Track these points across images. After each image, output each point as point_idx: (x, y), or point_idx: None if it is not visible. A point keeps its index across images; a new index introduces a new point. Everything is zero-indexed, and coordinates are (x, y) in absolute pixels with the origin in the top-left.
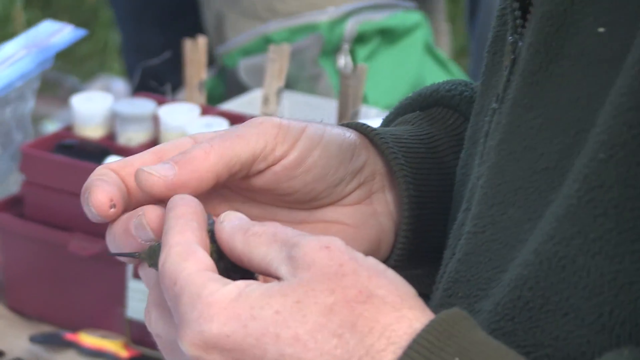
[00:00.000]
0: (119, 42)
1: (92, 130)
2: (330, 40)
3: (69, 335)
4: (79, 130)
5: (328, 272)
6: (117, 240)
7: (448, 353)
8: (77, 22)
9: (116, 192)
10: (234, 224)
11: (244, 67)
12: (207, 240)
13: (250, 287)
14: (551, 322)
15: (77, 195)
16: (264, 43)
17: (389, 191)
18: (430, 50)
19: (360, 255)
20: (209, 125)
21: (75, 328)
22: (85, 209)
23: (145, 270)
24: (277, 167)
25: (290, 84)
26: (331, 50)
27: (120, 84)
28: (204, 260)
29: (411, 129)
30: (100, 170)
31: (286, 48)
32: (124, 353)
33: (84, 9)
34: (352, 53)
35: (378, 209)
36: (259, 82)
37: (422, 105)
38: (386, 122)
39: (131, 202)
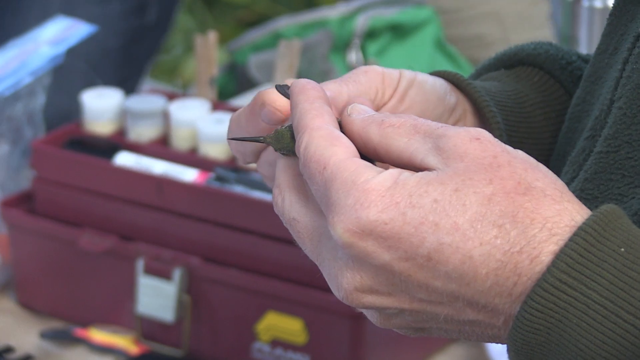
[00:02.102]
0: None
1: (102, 126)
2: (341, 35)
3: (79, 331)
4: (90, 126)
5: (483, 163)
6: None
7: (614, 243)
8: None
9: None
10: (365, 117)
11: (254, 62)
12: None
13: (404, 175)
14: None
15: (87, 191)
16: (274, 39)
17: None
18: (440, 46)
19: (511, 148)
20: (219, 121)
21: (86, 324)
22: (265, 120)
23: (264, 157)
24: (382, 110)
25: None
26: (341, 46)
27: None
28: (351, 146)
29: (498, 84)
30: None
31: (296, 44)
32: (134, 349)
33: None
34: (363, 49)
35: None
36: (269, 78)
37: (506, 64)
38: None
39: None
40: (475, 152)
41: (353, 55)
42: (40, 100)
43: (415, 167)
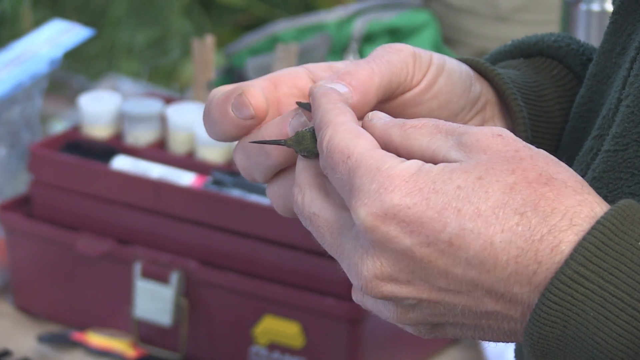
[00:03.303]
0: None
1: (99, 129)
2: (339, 39)
3: (77, 335)
4: (87, 130)
5: (505, 156)
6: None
7: (632, 237)
8: (85, 22)
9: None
10: (386, 120)
11: (251, 66)
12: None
13: (428, 164)
14: None
15: (85, 194)
16: (272, 42)
17: (498, 120)
18: (438, 49)
19: (532, 146)
20: None
21: (83, 327)
22: (234, 112)
23: (275, 157)
24: (407, 94)
25: None
26: (339, 50)
27: (128, 84)
28: (374, 140)
29: (519, 74)
30: (224, 88)
31: (294, 47)
32: (131, 352)
33: (92, 9)
34: (361, 52)
35: None
36: None
37: (525, 53)
38: None
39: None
40: (497, 146)
41: (351, 59)
42: (37, 104)
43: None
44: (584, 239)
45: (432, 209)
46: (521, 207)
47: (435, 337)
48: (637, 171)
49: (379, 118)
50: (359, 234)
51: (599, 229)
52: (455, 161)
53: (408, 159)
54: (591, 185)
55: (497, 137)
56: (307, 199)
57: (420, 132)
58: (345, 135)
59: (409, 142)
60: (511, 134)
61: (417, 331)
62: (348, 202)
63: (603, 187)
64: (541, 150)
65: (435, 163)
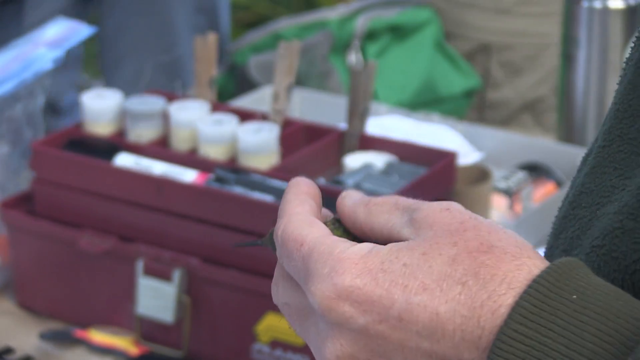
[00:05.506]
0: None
1: (102, 127)
2: (341, 37)
3: (79, 332)
4: (90, 127)
5: (450, 229)
6: None
7: (567, 292)
8: (88, 20)
9: None
10: (355, 199)
11: (254, 63)
12: (321, 219)
13: (379, 246)
14: None
15: (87, 192)
16: (274, 40)
17: None
18: (440, 47)
19: (479, 216)
20: (219, 122)
21: (85, 325)
22: None
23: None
24: None
25: (301, 81)
26: (341, 47)
27: None
28: (327, 229)
29: None
30: None
31: (296, 45)
32: (134, 350)
33: None
34: (362, 50)
35: None
36: (269, 79)
37: None
38: None
39: None
40: (444, 220)
41: (353, 57)
42: (40, 101)
43: (394, 241)
44: (521, 298)
45: (381, 287)
46: (463, 277)
47: None
48: (618, 165)
49: (350, 197)
50: (318, 319)
51: (534, 287)
52: (406, 239)
53: (371, 235)
54: (583, 180)
55: (444, 211)
56: (280, 290)
57: (380, 209)
58: (299, 224)
59: (370, 219)
60: (459, 207)
61: None
62: (305, 288)
63: (591, 181)
64: (487, 220)
65: (392, 240)
